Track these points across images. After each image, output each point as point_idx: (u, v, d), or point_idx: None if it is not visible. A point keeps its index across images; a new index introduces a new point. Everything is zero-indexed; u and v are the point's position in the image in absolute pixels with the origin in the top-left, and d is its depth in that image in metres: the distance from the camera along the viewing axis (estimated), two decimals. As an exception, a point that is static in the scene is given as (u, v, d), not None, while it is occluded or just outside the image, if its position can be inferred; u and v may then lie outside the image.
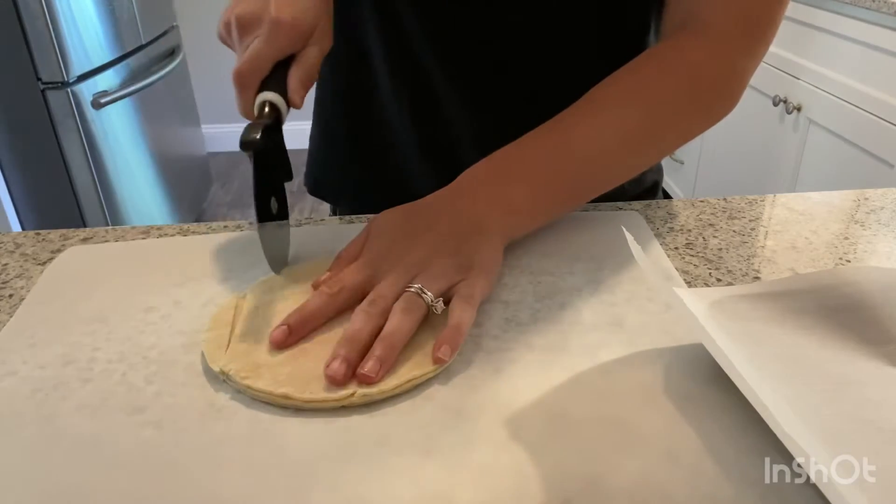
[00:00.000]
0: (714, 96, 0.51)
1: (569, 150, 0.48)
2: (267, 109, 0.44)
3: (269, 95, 0.44)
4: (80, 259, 0.51)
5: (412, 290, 0.40)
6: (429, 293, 0.40)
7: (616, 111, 0.49)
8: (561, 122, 0.49)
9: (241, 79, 0.44)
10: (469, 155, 0.50)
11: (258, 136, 0.42)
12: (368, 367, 0.36)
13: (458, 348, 0.39)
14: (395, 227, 0.45)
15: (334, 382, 0.36)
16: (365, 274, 0.42)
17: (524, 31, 0.57)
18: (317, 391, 0.36)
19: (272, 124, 0.43)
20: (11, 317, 0.44)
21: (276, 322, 0.41)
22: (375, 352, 0.37)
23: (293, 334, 0.39)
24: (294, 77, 0.45)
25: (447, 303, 0.41)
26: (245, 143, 0.42)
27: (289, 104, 0.45)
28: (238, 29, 0.45)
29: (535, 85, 0.59)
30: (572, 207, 0.52)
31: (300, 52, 0.45)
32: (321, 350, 0.39)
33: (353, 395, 0.36)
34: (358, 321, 0.39)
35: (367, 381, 0.36)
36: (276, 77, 0.44)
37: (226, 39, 0.48)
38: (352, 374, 0.36)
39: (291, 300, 0.43)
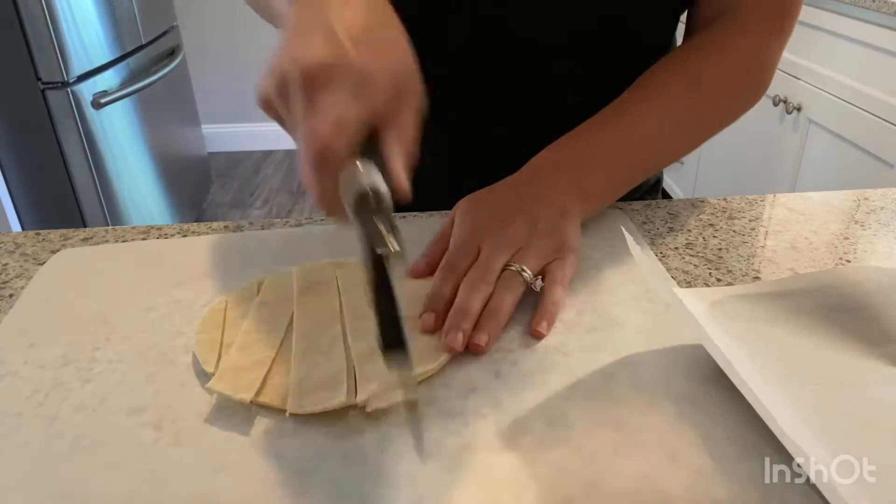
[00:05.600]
0: (751, 83, 0.55)
1: (630, 138, 0.51)
2: (370, 201, 0.30)
3: (372, 181, 0.30)
4: (73, 260, 0.51)
5: (513, 268, 0.43)
6: (528, 272, 0.43)
7: (668, 99, 0.52)
8: (620, 110, 0.52)
9: (326, 152, 0.30)
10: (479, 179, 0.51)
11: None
12: (479, 338, 0.39)
13: (554, 324, 0.42)
14: (485, 207, 0.47)
15: (452, 350, 0.38)
16: (473, 252, 0.44)
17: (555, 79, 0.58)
18: (320, 401, 0.35)
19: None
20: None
21: (261, 328, 0.41)
22: (485, 325, 0.40)
23: (438, 319, 0.41)
24: (395, 154, 0.32)
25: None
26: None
27: (394, 194, 0.31)
28: (306, 84, 0.31)
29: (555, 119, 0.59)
30: (631, 188, 0.54)
31: (392, 117, 0.33)
32: (315, 358, 0.39)
33: (355, 405, 0.35)
34: (467, 294, 0.41)
35: (477, 351, 0.39)
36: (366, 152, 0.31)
37: (273, 100, 0.33)
38: (467, 343, 0.39)
39: (272, 306, 0.43)
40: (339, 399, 0.35)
